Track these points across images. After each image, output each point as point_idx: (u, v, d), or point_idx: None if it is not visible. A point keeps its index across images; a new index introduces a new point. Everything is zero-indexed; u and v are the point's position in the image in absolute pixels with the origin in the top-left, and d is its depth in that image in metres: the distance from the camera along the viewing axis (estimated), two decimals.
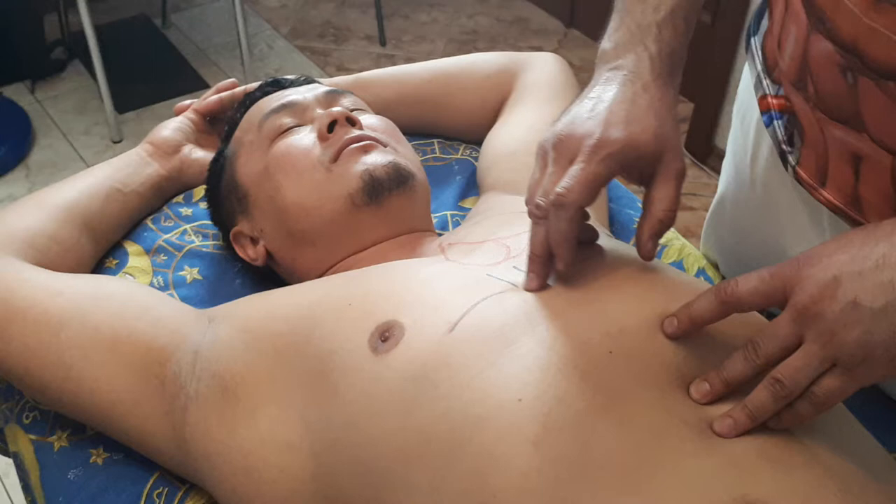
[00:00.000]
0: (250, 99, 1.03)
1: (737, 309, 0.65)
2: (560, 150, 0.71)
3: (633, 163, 0.70)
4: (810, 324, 0.59)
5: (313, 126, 0.94)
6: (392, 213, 0.90)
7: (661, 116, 0.72)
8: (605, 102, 0.72)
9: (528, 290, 0.72)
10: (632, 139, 0.69)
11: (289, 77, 1.06)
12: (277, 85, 1.04)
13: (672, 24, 0.76)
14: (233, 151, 1.00)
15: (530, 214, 0.72)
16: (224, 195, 1.00)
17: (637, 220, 1.04)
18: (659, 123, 0.71)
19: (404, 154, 0.95)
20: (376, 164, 0.89)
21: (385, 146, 0.93)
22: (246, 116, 1.00)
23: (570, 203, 0.68)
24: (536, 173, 0.73)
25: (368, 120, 0.97)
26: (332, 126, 0.92)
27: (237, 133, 1.01)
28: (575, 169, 0.69)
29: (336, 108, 0.94)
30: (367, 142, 0.91)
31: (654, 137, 0.70)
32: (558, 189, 0.68)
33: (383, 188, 0.88)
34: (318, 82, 1.08)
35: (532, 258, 0.73)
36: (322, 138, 0.92)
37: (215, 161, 1.04)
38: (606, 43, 0.78)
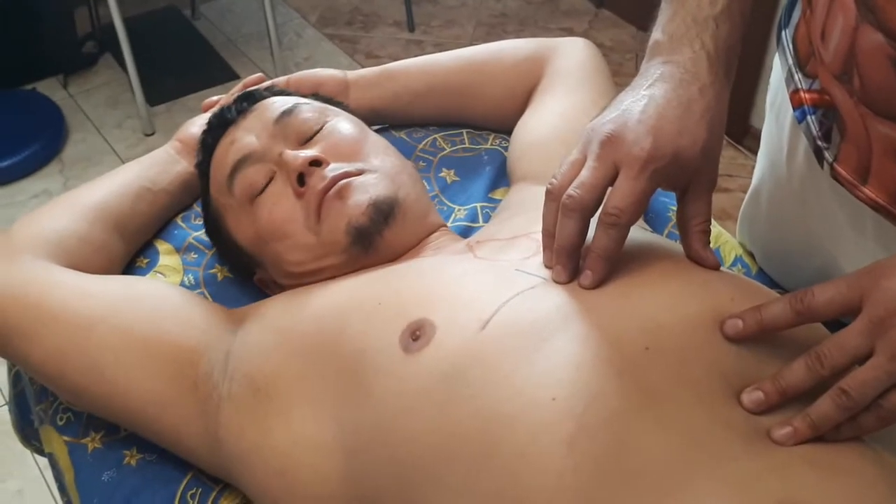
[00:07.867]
0: (219, 121, 0.98)
1: (811, 320, 0.63)
2: (606, 148, 0.69)
3: (675, 174, 0.70)
4: (883, 336, 0.58)
5: (284, 178, 0.89)
6: (391, 246, 0.87)
7: (713, 126, 0.70)
8: (658, 104, 0.70)
9: (557, 282, 0.71)
10: (680, 154, 0.68)
11: (259, 88, 1.03)
12: (252, 99, 0.98)
13: (729, 19, 0.74)
14: (217, 210, 0.96)
15: (562, 204, 0.69)
16: (232, 254, 0.97)
17: (672, 209, 1.03)
18: (709, 135, 0.70)
19: (380, 167, 0.90)
20: (355, 212, 0.85)
21: (359, 174, 0.88)
22: (212, 173, 0.96)
23: (624, 224, 0.68)
24: (574, 156, 0.71)
25: (332, 137, 0.91)
26: (301, 178, 0.87)
27: (212, 189, 0.96)
28: (625, 187, 0.68)
29: (299, 156, 0.87)
30: (341, 183, 0.86)
31: (701, 152, 0.69)
32: (611, 210, 0.68)
33: (371, 233, 0.85)
34: (289, 93, 1.01)
35: (560, 250, 0.71)
36: (298, 195, 0.88)
37: (206, 208, 1.00)
38: (659, 34, 0.75)
